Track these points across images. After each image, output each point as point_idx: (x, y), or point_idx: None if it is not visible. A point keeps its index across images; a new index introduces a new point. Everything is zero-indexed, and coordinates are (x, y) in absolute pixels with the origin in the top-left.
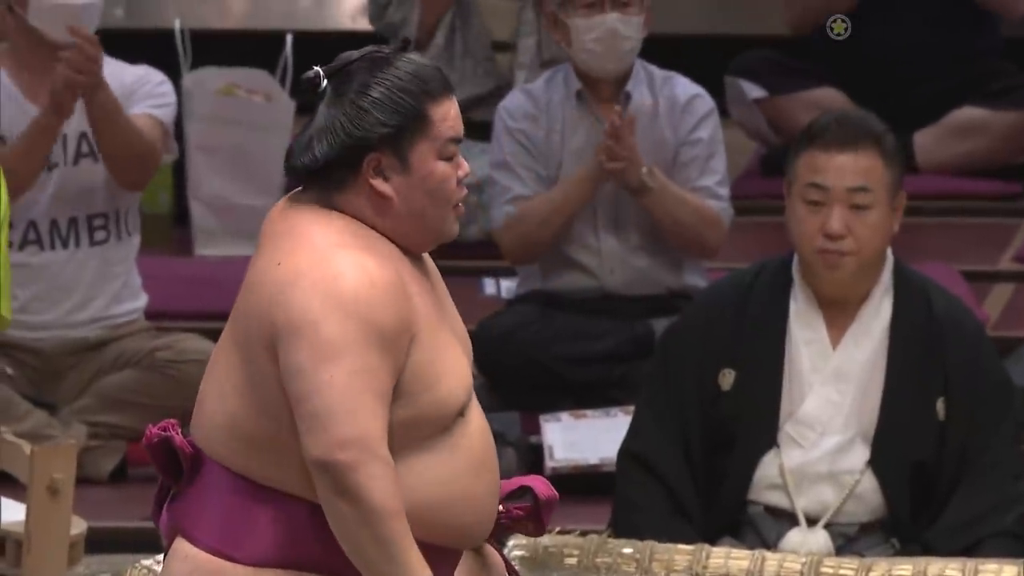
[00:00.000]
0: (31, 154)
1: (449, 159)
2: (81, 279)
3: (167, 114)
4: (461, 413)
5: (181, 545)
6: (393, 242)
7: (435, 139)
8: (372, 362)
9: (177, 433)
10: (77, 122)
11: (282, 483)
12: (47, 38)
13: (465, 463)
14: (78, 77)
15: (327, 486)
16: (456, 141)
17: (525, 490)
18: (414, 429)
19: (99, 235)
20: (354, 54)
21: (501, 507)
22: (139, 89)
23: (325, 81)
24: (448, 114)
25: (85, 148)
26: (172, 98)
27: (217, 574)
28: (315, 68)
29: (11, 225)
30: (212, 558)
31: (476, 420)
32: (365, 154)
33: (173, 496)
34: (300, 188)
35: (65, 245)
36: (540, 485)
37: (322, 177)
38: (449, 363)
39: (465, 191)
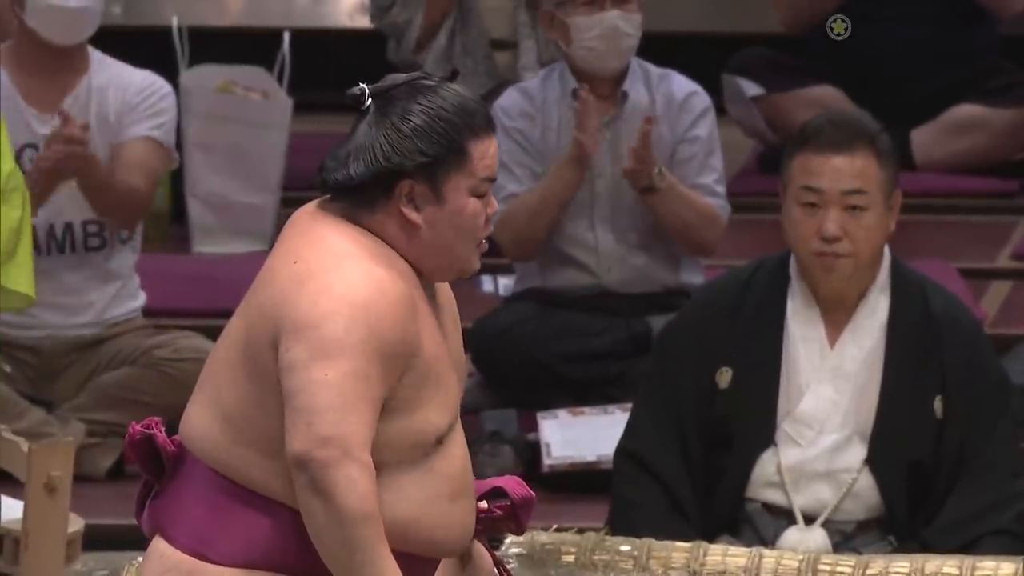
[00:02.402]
0: None
1: (481, 196)
2: (78, 285)
3: (167, 132)
4: (440, 440)
5: (158, 544)
6: (412, 266)
7: (471, 175)
8: (368, 369)
9: (160, 431)
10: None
11: (263, 485)
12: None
13: (441, 487)
14: (63, 162)
15: (303, 483)
16: (491, 180)
17: (501, 491)
18: (390, 448)
19: (93, 241)
20: (400, 77)
21: (484, 504)
22: (140, 104)
23: (370, 100)
24: (487, 152)
25: None
26: (173, 112)
27: (191, 574)
28: (362, 85)
29: None
30: (187, 558)
31: (457, 447)
32: (399, 180)
33: (155, 494)
34: (328, 197)
35: (61, 250)
36: (514, 486)
37: (354, 194)
38: (437, 392)
39: (491, 228)
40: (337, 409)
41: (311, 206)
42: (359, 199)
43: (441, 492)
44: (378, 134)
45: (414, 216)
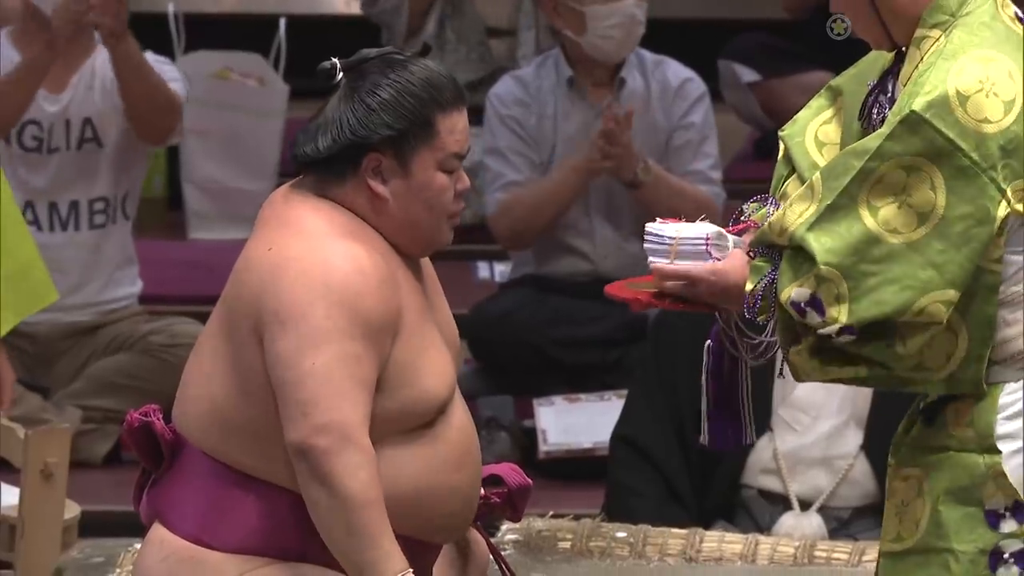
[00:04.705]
0: (14, 94)
1: (450, 172)
2: (76, 262)
3: (179, 88)
4: (442, 410)
5: (157, 531)
6: (386, 240)
7: (438, 150)
8: (356, 350)
9: (158, 418)
10: (81, 107)
11: (260, 471)
12: (46, 18)
13: (446, 458)
14: (103, 19)
15: (305, 472)
16: (459, 156)
17: (498, 478)
18: (393, 423)
19: (98, 219)
20: (372, 52)
21: (481, 491)
22: None
23: (341, 74)
24: (455, 127)
25: (89, 133)
26: (178, 75)
27: (191, 561)
28: (333, 60)
29: None
30: (187, 544)
31: (459, 417)
32: (366, 153)
33: (153, 481)
34: (302, 176)
35: (64, 228)
36: (510, 473)
37: (323, 168)
38: (432, 361)
39: (463, 204)
40: (330, 395)
41: (283, 189)
42: (329, 173)
43: (445, 463)
44: (346, 108)
45: (381, 189)
